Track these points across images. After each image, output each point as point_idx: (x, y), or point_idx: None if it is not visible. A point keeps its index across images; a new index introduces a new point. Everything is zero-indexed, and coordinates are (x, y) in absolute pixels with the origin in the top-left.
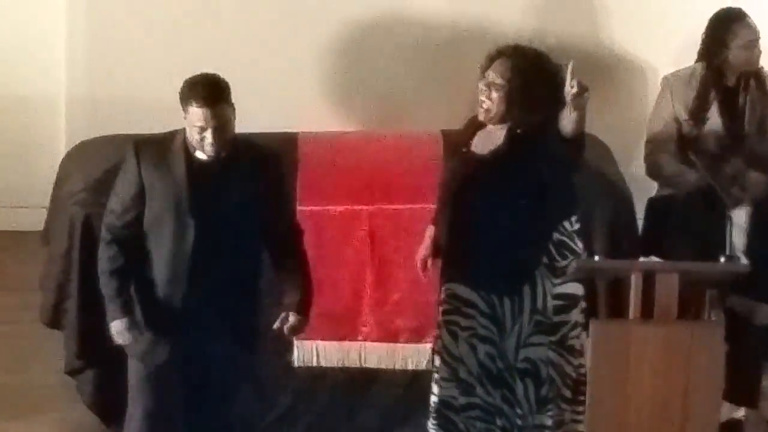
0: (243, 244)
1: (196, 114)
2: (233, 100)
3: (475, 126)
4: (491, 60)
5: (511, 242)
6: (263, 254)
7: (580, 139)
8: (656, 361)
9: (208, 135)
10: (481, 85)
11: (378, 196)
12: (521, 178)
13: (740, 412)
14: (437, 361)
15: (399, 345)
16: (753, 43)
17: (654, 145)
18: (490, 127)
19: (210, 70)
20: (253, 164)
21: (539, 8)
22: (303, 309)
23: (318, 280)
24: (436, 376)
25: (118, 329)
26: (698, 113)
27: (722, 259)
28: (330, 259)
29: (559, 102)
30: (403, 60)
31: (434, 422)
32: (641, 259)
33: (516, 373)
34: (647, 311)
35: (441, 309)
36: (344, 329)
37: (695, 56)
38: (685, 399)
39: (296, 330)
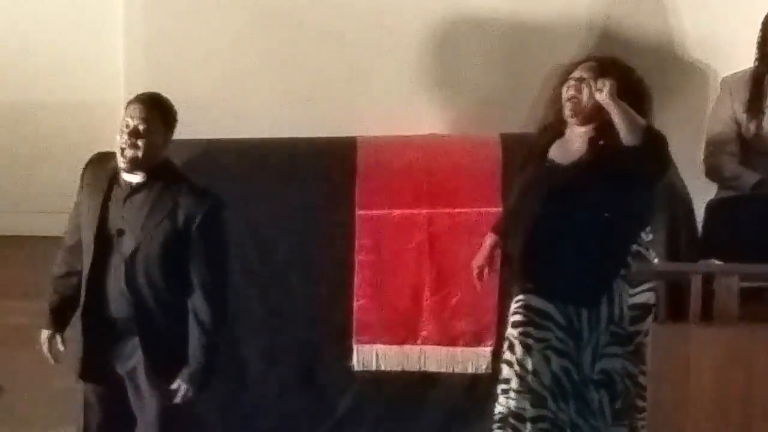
0: (149, 278)
1: (127, 111)
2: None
3: (552, 133)
4: (577, 63)
5: (591, 254)
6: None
7: (649, 143)
8: (717, 363)
9: (125, 135)
10: (571, 82)
11: (437, 200)
12: (604, 189)
13: None
14: (506, 372)
15: (458, 349)
16: None
17: (713, 147)
18: (568, 135)
19: (271, 76)
20: (177, 198)
21: (608, 7)
22: (198, 379)
23: (377, 285)
24: (504, 386)
25: (41, 338)
26: (753, 111)
27: None
28: (389, 263)
29: (644, 111)
30: (470, 62)
31: None
32: (701, 261)
33: (592, 386)
34: (707, 314)
35: (513, 320)
36: (404, 333)
37: None
38: (746, 402)
39: (186, 399)
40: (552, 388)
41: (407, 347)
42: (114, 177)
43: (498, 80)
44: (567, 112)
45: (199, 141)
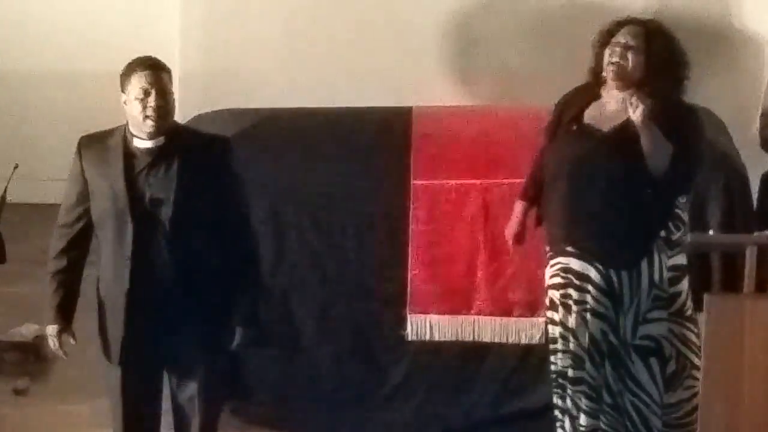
0: (189, 240)
1: (139, 79)
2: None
3: (587, 95)
4: (620, 25)
5: (632, 217)
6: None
7: (675, 168)
8: None
9: (152, 100)
10: (616, 48)
11: (491, 170)
12: (643, 158)
13: None
14: (552, 331)
15: (512, 319)
16: None
17: None
18: (606, 98)
19: (326, 47)
20: (194, 152)
21: None
22: (253, 321)
23: (432, 255)
24: (553, 346)
25: (49, 333)
26: None
27: None
28: (443, 233)
29: (683, 78)
30: (523, 35)
31: (555, 391)
32: (756, 233)
33: (634, 352)
34: (762, 285)
35: (552, 282)
36: (458, 303)
37: None
38: None
39: (243, 346)
40: (590, 350)
41: (461, 317)
42: (125, 148)
43: (548, 54)
44: (610, 75)
45: (256, 110)
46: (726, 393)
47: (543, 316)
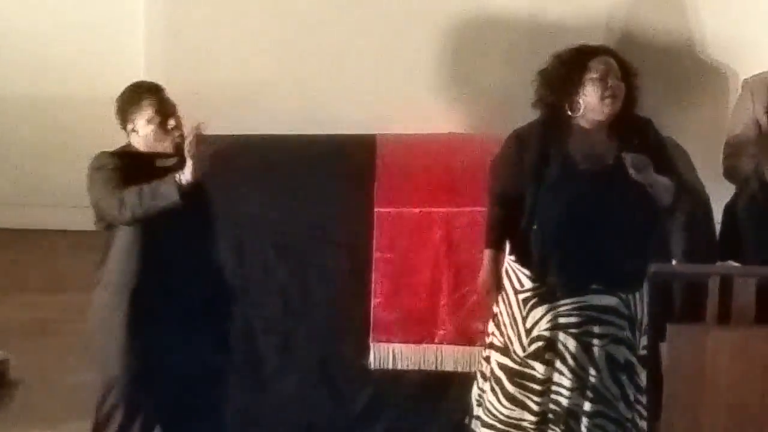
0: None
1: (152, 104)
2: None
3: (563, 126)
4: (588, 56)
5: (642, 242)
6: None
7: (678, 199)
8: (733, 366)
9: (171, 121)
10: (599, 83)
11: (455, 198)
12: (637, 190)
13: None
14: (546, 371)
15: (475, 348)
16: None
17: (733, 148)
18: (587, 131)
19: (290, 73)
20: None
21: (628, 6)
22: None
23: (395, 283)
24: (540, 387)
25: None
26: None
27: None
28: (406, 261)
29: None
30: (491, 60)
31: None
32: (719, 263)
33: (641, 363)
34: (724, 316)
35: (561, 322)
36: (421, 332)
37: None
38: (762, 405)
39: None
40: (616, 379)
41: (424, 346)
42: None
43: (518, 80)
44: (606, 110)
45: (216, 137)
46: (687, 423)
47: None
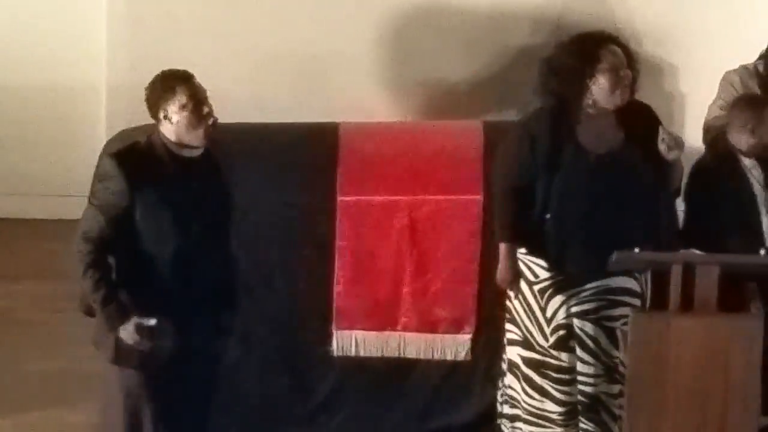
0: (223, 236)
1: (186, 91)
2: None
3: (573, 113)
4: (597, 41)
5: (648, 220)
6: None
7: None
8: (695, 353)
9: (205, 108)
10: (614, 73)
11: (418, 186)
12: (646, 168)
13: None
14: (571, 360)
15: (438, 335)
16: None
17: (714, 132)
18: (595, 119)
19: (255, 59)
20: (216, 169)
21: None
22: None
23: (358, 271)
24: (568, 376)
25: (128, 334)
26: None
27: (762, 252)
28: (370, 250)
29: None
30: (451, 49)
31: (582, 420)
32: (681, 251)
33: None
34: (687, 304)
35: (578, 310)
36: (383, 319)
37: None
38: (725, 391)
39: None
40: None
41: (386, 333)
42: (173, 156)
43: (477, 68)
44: (620, 99)
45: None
46: (650, 409)
47: (469, 333)
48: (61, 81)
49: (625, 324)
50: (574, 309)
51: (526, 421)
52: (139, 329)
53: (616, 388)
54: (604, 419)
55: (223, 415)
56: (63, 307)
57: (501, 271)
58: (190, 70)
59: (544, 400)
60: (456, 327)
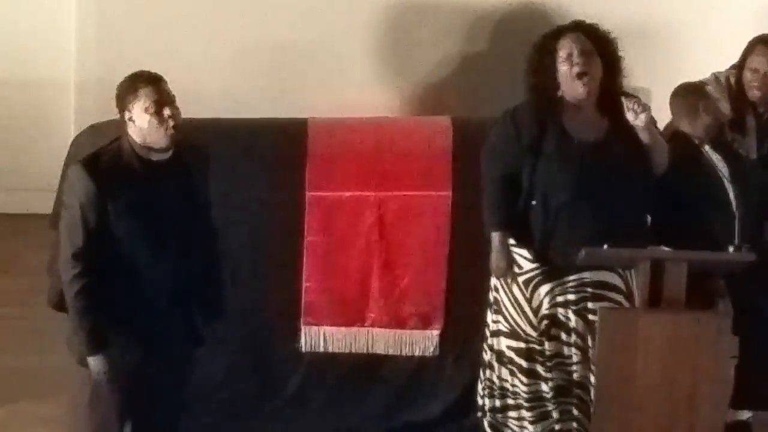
0: (191, 239)
1: (148, 93)
2: None
3: (552, 108)
4: (554, 38)
5: (635, 218)
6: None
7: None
8: (663, 349)
9: (167, 110)
10: (573, 59)
11: (387, 182)
12: (634, 158)
13: (747, 414)
14: (555, 347)
15: (406, 331)
16: None
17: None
18: (579, 108)
19: (226, 54)
20: (188, 160)
21: None
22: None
23: (326, 267)
24: (557, 360)
25: (96, 365)
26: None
27: (730, 249)
28: (338, 245)
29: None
30: (425, 45)
31: (555, 403)
32: (649, 248)
33: None
34: (655, 300)
35: (561, 300)
36: (352, 315)
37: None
38: (693, 388)
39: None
40: None
41: (355, 329)
42: (141, 160)
43: (450, 64)
44: (579, 91)
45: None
46: (619, 404)
47: (437, 329)
48: (30, 75)
49: None
50: (558, 299)
51: (527, 408)
52: (110, 363)
53: (591, 376)
54: (586, 400)
55: (192, 410)
56: (31, 301)
57: (494, 260)
58: (160, 65)
59: (535, 381)
60: (424, 323)
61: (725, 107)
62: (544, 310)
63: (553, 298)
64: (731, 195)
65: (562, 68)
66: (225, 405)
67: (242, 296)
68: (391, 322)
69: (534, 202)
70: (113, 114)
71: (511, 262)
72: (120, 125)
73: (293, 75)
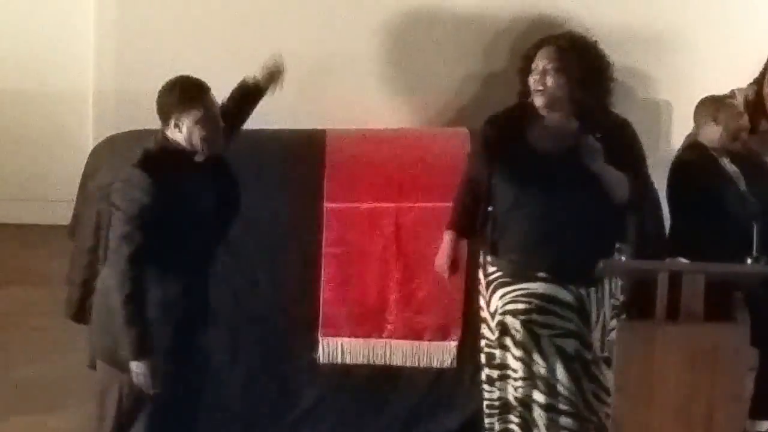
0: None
1: (202, 106)
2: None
3: (522, 118)
4: (536, 48)
5: (594, 234)
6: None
7: (634, 193)
8: (682, 362)
9: (213, 123)
10: (535, 75)
11: (405, 193)
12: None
13: (766, 425)
14: (502, 357)
15: (424, 343)
16: None
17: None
18: (547, 118)
19: (239, 65)
20: (227, 166)
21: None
22: None
23: (344, 278)
24: (500, 372)
25: (140, 370)
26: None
27: (749, 261)
28: (356, 256)
29: (608, 90)
30: (444, 57)
31: (499, 419)
32: (667, 259)
33: (603, 364)
34: (673, 312)
35: (511, 308)
36: (370, 326)
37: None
38: (710, 400)
39: None
40: (566, 373)
41: (373, 340)
42: (189, 161)
43: (468, 75)
44: (538, 103)
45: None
46: (637, 419)
47: (455, 341)
48: (48, 86)
49: (555, 336)
50: (508, 306)
51: (487, 415)
52: (152, 370)
53: (539, 397)
54: (528, 420)
55: (209, 421)
56: (47, 312)
57: (438, 257)
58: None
59: (493, 389)
60: (442, 334)
61: (745, 121)
62: (498, 316)
63: (504, 304)
64: (749, 206)
65: (530, 79)
66: (242, 416)
67: (260, 307)
68: (409, 333)
69: (490, 208)
70: (131, 125)
71: (455, 263)
72: (142, 134)
73: (312, 86)
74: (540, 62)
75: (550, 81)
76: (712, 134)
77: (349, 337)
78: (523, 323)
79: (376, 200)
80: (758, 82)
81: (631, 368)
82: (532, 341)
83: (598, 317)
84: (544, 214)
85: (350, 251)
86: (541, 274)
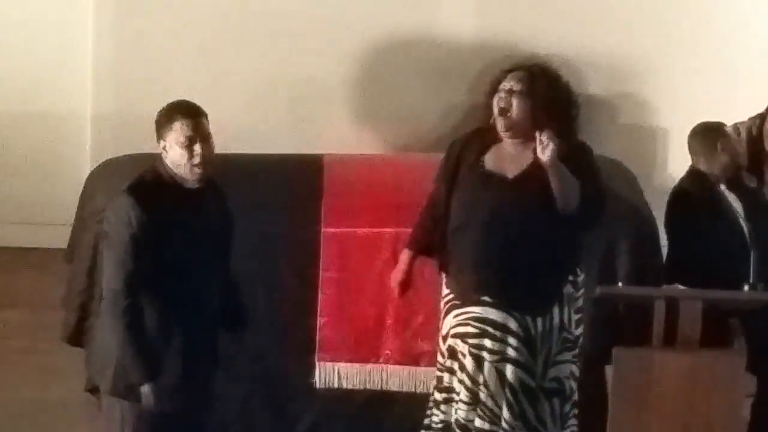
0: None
1: (183, 127)
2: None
3: (484, 141)
4: (507, 72)
5: (544, 262)
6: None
7: (585, 205)
8: (678, 388)
9: (197, 147)
10: (501, 94)
11: (402, 218)
12: (550, 203)
13: None
14: (448, 380)
15: (420, 368)
16: None
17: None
18: (506, 143)
19: (235, 90)
20: (220, 196)
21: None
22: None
23: (341, 303)
24: (446, 395)
25: (149, 393)
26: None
27: (746, 288)
28: (353, 281)
29: (573, 117)
30: (429, 82)
31: None
32: (664, 286)
33: (542, 394)
34: (670, 339)
35: (458, 332)
36: (366, 352)
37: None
38: (708, 427)
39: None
40: (509, 401)
41: (369, 366)
42: (178, 188)
43: (464, 104)
44: (499, 126)
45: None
46: None
47: None
48: (46, 109)
49: (498, 362)
50: (456, 330)
51: None
52: (158, 393)
53: (479, 423)
54: None
55: None
56: (45, 336)
57: (392, 274)
58: (175, 100)
59: (438, 413)
60: None
61: (744, 154)
62: (449, 339)
63: (452, 327)
64: (746, 234)
65: (495, 97)
66: None
67: (257, 331)
68: (406, 358)
69: (448, 229)
70: (130, 148)
71: (406, 281)
72: (140, 158)
73: (309, 111)
74: (508, 83)
75: (515, 103)
76: (713, 163)
77: (346, 362)
78: (470, 347)
79: (374, 225)
80: (762, 117)
81: (627, 395)
82: (477, 366)
83: (542, 348)
84: (490, 238)
85: (348, 276)
86: (486, 298)
